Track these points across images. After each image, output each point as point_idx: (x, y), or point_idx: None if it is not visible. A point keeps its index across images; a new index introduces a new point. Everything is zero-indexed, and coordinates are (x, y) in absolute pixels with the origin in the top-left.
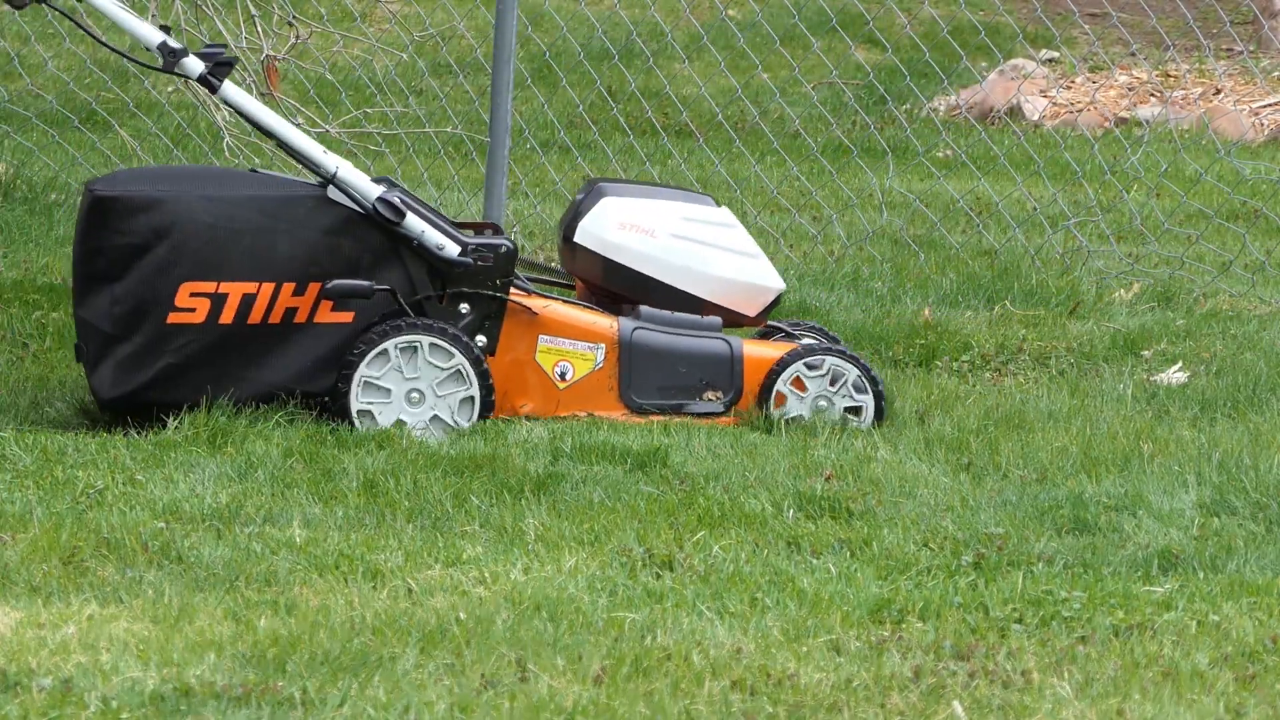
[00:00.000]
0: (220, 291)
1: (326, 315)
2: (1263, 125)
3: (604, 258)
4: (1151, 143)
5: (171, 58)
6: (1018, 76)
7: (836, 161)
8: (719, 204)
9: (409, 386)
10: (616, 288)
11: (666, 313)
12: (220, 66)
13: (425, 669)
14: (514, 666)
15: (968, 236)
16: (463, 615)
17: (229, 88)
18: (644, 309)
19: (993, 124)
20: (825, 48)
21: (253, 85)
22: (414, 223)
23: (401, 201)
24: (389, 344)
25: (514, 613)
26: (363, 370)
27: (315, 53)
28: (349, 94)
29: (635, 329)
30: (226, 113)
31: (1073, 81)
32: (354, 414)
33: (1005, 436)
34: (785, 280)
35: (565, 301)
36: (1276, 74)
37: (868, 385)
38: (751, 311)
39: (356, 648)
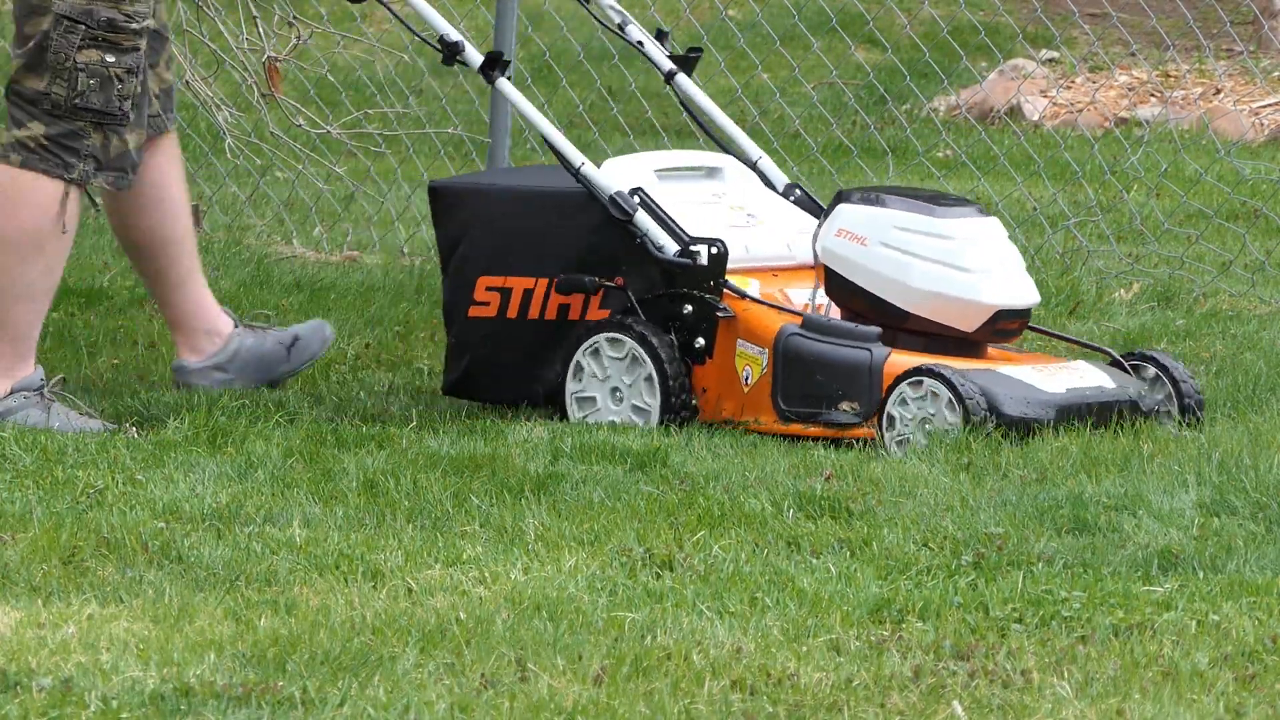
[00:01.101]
0: (506, 286)
1: (597, 314)
2: (1263, 125)
3: (825, 266)
4: (1151, 143)
5: (450, 50)
6: (1018, 76)
7: (836, 161)
8: (985, 212)
9: (610, 385)
10: (836, 298)
11: (826, 319)
12: (498, 62)
13: (425, 669)
14: (514, 666)
15: None
16: (463, 615)
17: (503, 83)
18: (808, 315)
19: (992, 124)
20: (825, 48)
21: (254, 86)
22: (641, 220)
23: (640, 200)
24: (596, 338)
25: (514, 612)
26: (578, 358)
27: (316, 53)
28: (349, 94)
29: (790, 334)
30: (227, 113)
31: (1073, 81)
32: (567, 398)
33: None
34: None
35: (758, 302)
36: (1276, 74)
37: (959, 408)
38: (966, 327)
39: (356, 647)
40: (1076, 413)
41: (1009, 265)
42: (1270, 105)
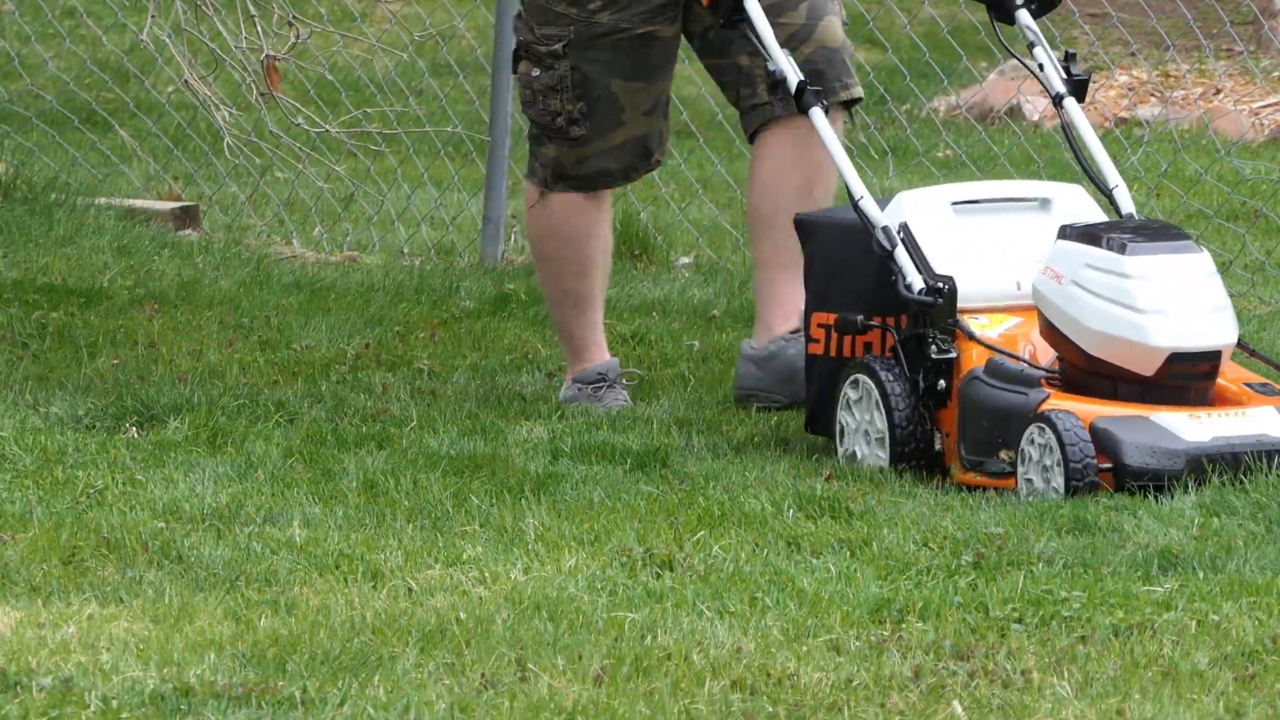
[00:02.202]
0: (828, 323)
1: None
2: (1263, 125)
3: (1035, 304)
4: (1151, 143)
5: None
6: (1018, 76)
7: None
8: (1194, 248)
9: (862, 424)
10: (1046, 338)
11: (1008, 362)
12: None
13: (425, 669)
14: (514, 666)
15: None
16: (463, 615)
17: (816, 113)
18: (993, 358)
19: (993, 124)
20: None
21: (253, 85)
22: (899, 256)
23: (903, 237)
24: (855, 375)
25: (514, 612)
26: (844, 389)
27: (315, 53)
28: (349, 94)
29: (972, 379)
30: (226, 113)
31: None
32: (836, 426)
33: None
34: None
35: (981, 344)
36: (1276, 74)
37: (1062, 456)
38: (1144, 370)
39: (356, 648)
40: (1214, 463)
41: (1193, 305)
42: (1270, 105)
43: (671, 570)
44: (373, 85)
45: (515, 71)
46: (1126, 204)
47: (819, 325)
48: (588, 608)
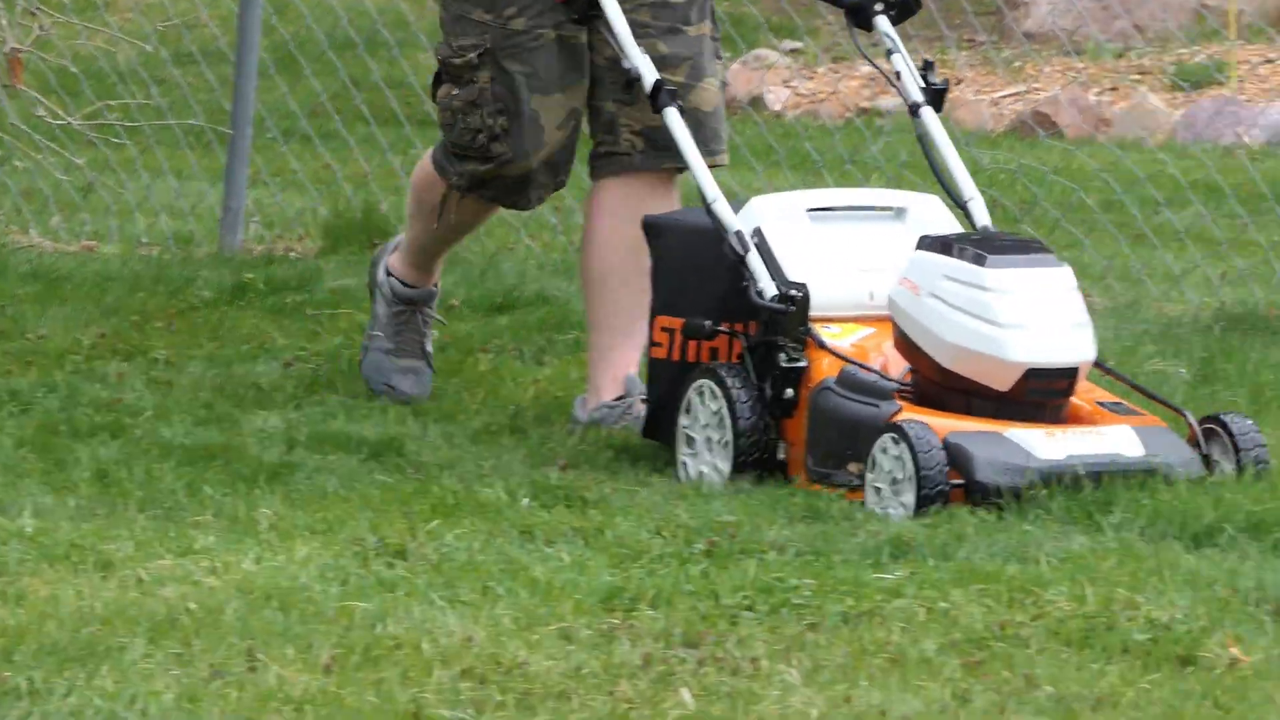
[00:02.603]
0: (674, 326)
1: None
2: (1003, 115)
3: (891, 315)
4: (892, 133)
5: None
6: (760, 66)
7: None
8: (1054, 262)
9: (704, 433)
10: (901, 351)
11: (860, 372)
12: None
13: (153, 659)
14: (243, 656)
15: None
16: (193, 605)
17: (671, 113)
18: (846, 367)
19: (734, 114)
20: None
21: None
22: (751, 261)
23: (757, 242)
24: (701, 381)
25: (244, 602)
26: (680, 420)
27: (58, 43)
28: (91, 84)
29: (822, 389)
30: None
31: (815, 72)
32: (678, 462)
33: None
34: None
35: (832, 354)
36: (1017, 64)
37: (914, 472)
38: (1000, 385)
39: (85, 638)
40: (1065, 481)
41: (1053, 320)
42: (1010, 95)
43: (404, 559)
44: (115, 75)
45: (434, 98)
46: (982, 216)
47: (663, 329)
48: (319, 597)
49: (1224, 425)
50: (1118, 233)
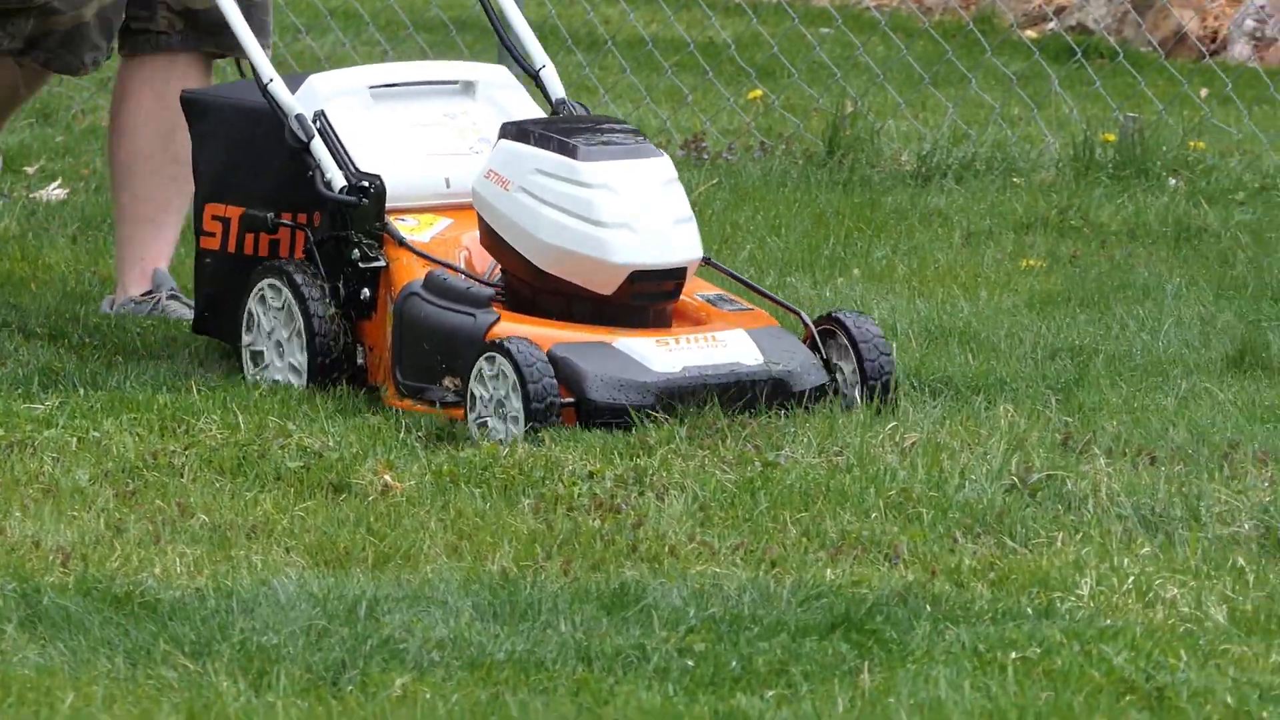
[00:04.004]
0: (227, 215)
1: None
2: None
3: (478, 212)
4: None
5: None
6: None
7: None
8: (651, 152)
9: (274, 338)
10: (490, 251)
11: (450, 278)
12: None
13: None
14: None
15: None
16: None
17: None
18: (433, 271)
19: None
20: None
21: None
22: (316, 149)
23: (320, 126)
24: (261, 284)
25: None
26: (249, 305)
27: None
28: None
29: (409, 293)
30: None
31: None
32: (243, 352)
33: None
34: None
35: (412, 250)
36: None
37: (521, 391)
38: (604, 289)
39: None
40: (687, 395)
41: (656, 217)
42: None
43: None
44: None
45: None
46: (556, 87)
47: (214, 218)
48: None
49: (842, 325)
50: None
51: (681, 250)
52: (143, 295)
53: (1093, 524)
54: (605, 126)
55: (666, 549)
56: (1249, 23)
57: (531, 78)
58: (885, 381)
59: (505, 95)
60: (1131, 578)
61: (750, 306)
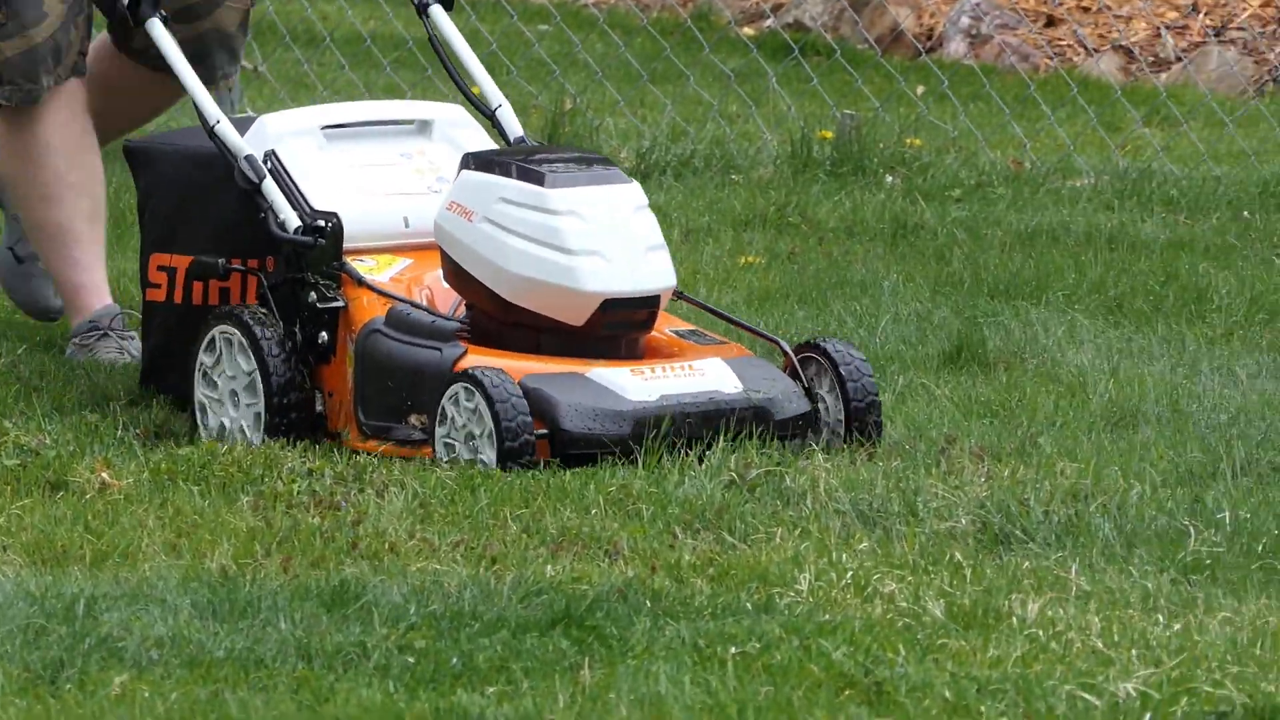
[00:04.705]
0: (173, 265)
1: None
2: None
3: (439, 244)
4: None
5: None
6: None
7: None
8: (620, 178)
9: (229, 385)
10: (453, 285)
11: (415, 312)
12: None
13: None
14: None
15: None
16: None
17: (155, 25)
18: (395, 307)
19: None
20: None
21: None
22: (269, 190)
23: (272, 166)
24: (213, 331)
25: None
26: (200, 356)
27: None
28: None
29: (370, 332)
30: None
31: None
32: (194, 406)
33: None
34: None
35: (371, 290)
36: None
37: (494, 423)
38: (575, 320)
39: None
40: (661, 425)
41: (628, 244)
42: None
43: None
44: None
45: None
46: (514, 126)
47: (159, 268)
48: None
49: (824, 353)
50: None
51: (654, 278)
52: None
53: (811, 520)
54: (571, 154)
55: (387, 546)
56: (964, 20)
57: (487, 117)
58: (870, 405)
59: (462, 134)
60: (850, 573)
61: (724, 340)
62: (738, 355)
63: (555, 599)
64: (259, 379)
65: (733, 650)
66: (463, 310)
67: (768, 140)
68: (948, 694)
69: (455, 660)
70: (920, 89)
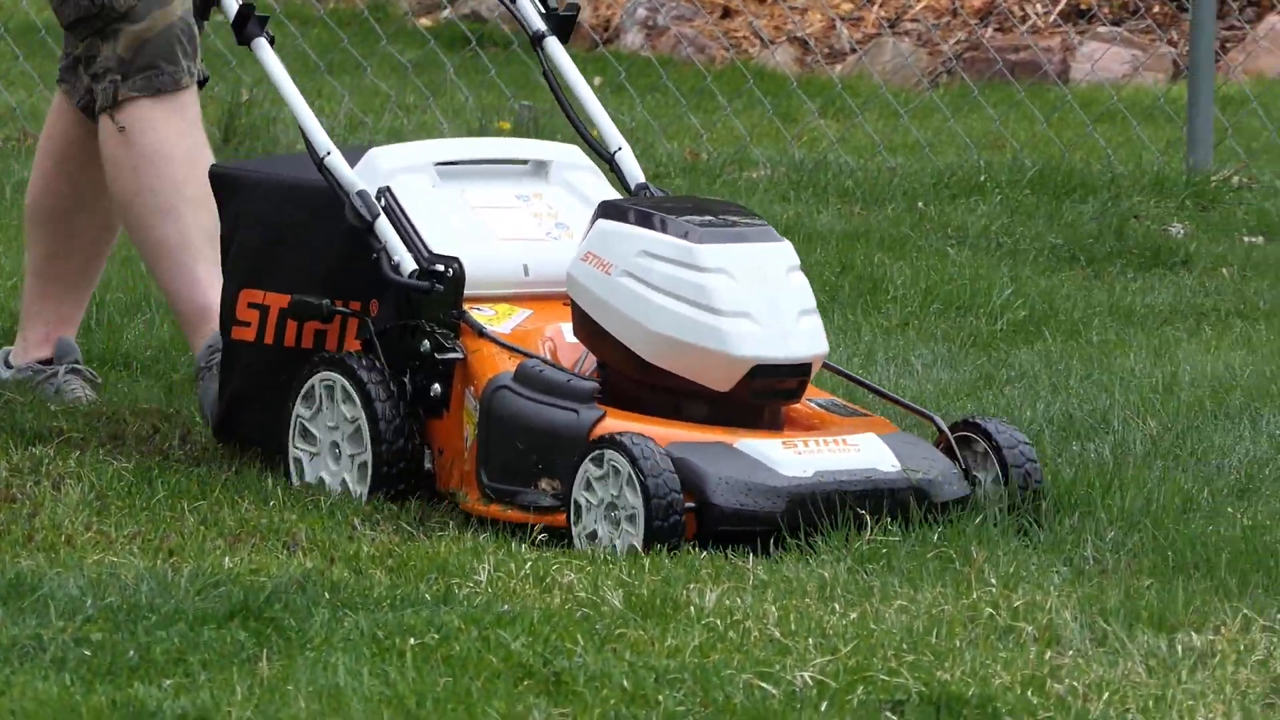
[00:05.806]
0: (266, 303)
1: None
2: None
3: (571, 297)
4: None
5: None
6: None
7: None
8: (773, 236)
9: (330, 437)
10: (585, 341)
11: (547, 369)
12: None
13: None
14: None
15: None
16: None
17: (261, 44)
18: (525, 363)
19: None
20: None
21: None
22: (382, 229)
23: (387, 203)
24: (312, 380)
25: None
26: (296, 409)
27: None
28: None
29: (498, 387)
30: None
31: None
32: (289, 460)
33: None
34: None
35: (494, 342)
36: None
37: (639, 489)
38: (720, 385)
39: None
40: (820, 503)
41: (780, 307)
42: None
43: None
44: None
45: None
46: (635, 171)
47: (250, 305)
48: None
49: (984, 432)
50: None
51: (807, 344)
52: (40, 362)
53: None
54: (725, 209)
55: (63, 538)
56: (641, 11)
57: (605, 160)
58: (1035, 490)
59: (580, 177)
60: (529, 563)
61: (867, 413)
62: (888, 430)
63: (233, 591)
64: (365, 425)
65: (411, 641)
66: (590, 366)
67: (445, 131)
68: (626, 683)
69: (132, 653)
70: (597, 80)
